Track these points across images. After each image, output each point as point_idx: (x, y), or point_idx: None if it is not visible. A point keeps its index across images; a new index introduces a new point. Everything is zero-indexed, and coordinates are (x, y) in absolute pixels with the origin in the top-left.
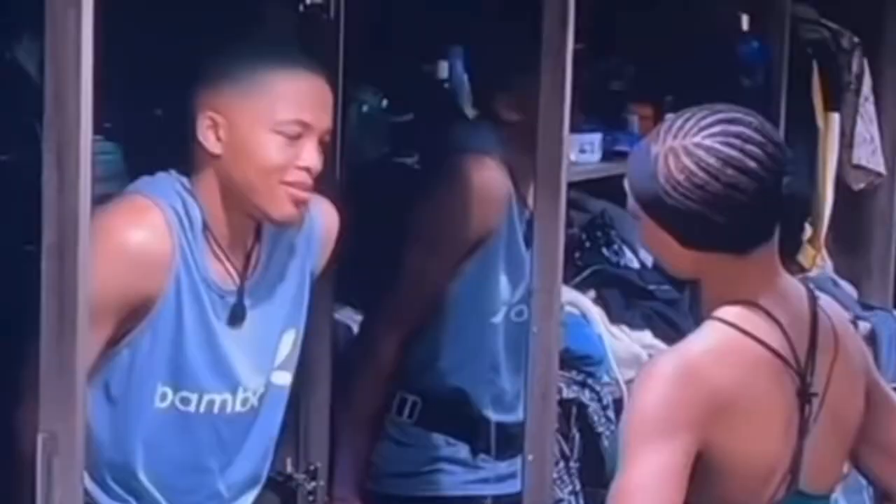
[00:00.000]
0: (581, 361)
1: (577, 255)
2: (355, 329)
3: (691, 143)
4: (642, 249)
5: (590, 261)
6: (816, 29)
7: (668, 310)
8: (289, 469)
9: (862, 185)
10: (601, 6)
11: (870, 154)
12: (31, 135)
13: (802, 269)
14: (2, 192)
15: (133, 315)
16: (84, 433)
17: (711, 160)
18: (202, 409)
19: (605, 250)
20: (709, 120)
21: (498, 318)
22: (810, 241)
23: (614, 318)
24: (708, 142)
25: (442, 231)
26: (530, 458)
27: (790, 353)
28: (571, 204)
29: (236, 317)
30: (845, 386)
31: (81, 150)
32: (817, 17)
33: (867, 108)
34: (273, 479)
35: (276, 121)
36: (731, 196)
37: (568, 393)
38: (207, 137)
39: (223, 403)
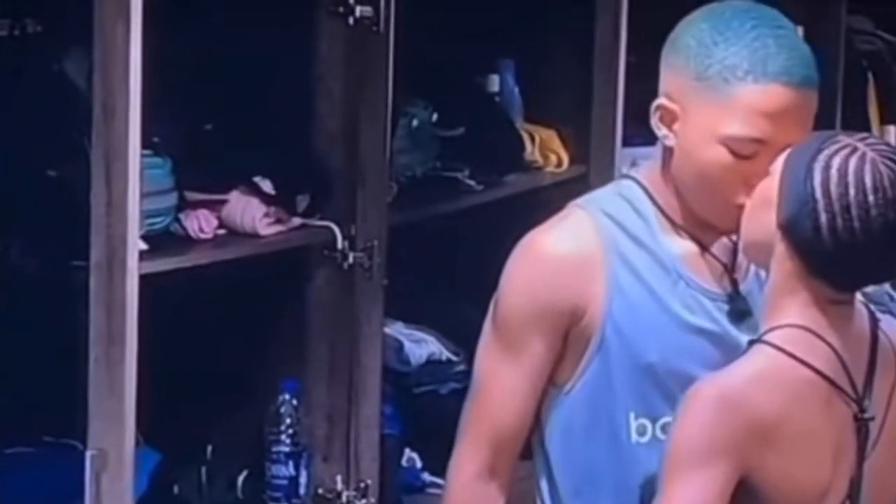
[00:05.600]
0: None
1: None
2: (406, 344)
3: (879, 157)
4: None
5: None
6: (871, 40)
7: None
8: (339, 486)
9: None
10: (654, 19)
11: None
12: (79, 150)
13: None
14: (50, 208)
15: (562, 334)
16: (133, 450)
17: (875, 186)
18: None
19: None
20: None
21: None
22: None
23: None
24: (885, 180)
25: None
26: None
27: (844, 376)
28: None
29: (737, 314)
30: None
31: (130, 165)
32: (872, 29)
33: None
34: (322, 496)
35: (725, 134)
36: (855, 216)
37: None
38: (658, 125)
39: None
